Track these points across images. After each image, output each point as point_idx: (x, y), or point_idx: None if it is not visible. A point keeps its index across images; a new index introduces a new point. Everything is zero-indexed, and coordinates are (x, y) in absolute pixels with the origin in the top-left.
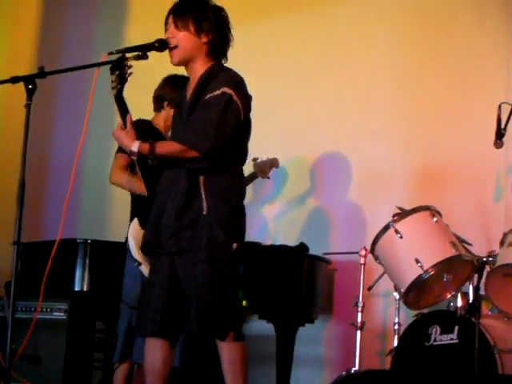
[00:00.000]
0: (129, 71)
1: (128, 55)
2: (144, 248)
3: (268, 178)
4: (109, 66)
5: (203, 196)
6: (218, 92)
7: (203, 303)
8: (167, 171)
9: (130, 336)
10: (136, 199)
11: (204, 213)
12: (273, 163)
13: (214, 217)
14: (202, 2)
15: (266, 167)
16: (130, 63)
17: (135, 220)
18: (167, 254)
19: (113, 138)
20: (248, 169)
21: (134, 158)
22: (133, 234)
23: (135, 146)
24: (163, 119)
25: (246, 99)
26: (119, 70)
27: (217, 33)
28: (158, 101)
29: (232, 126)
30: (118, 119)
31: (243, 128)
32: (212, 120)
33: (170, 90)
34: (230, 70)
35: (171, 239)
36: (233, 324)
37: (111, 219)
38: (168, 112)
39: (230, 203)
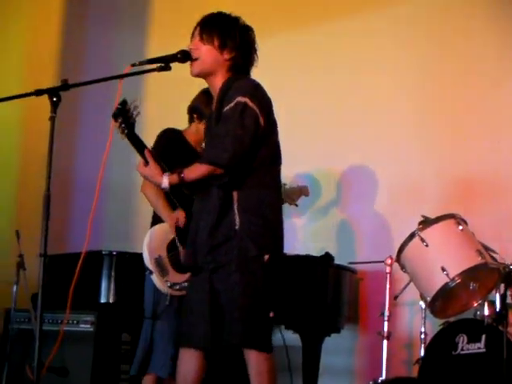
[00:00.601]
0: (135, 113)
1: (152, 66)
2: (185, 268)
3: (296, 205)
4: (134, 76)
5: (236, 211)
6: (232, 103)
7: (234, 313)
8: (200, 190)
9: (149, 349)
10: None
11: (236, 227)
12: (302, 191)
13: (247, 230)
14: (231, 20)
15: (294, 195)
16: (136, 103)
17: (150, 230)
18: (206, 270)
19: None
20: None
21: (167, 190)
22: (147, 244)
23: (165, 182)
24: (193, 133)
25: (264, 102)
26: (122, 116)
27: (240, 51)
28: (190, 112)
29: (251, 134)
30: (143, 129)
31: (267, 132)
32: (229, 131)
33: (203, 103)
34: (244, 77)
35: (207, 257)
36: (263, 335)
37: (136, 231)
38: (197, 126)
39: (265, 217)
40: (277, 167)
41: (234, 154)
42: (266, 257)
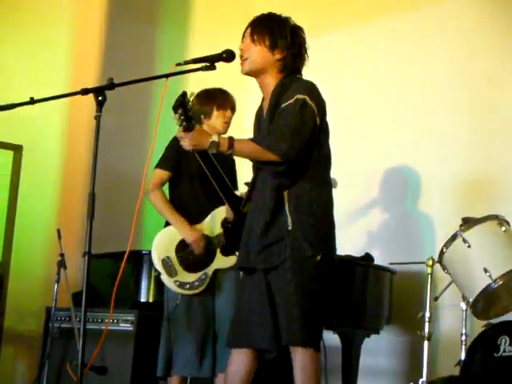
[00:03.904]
0: (191, 105)
1: (197, 65)
2: (239, 268)
3: None
4: (177, 76)
5: (287, 212)
6: (291, 100)
7: (291, 312)
8: (254, 191)
9: (170, 349)
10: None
11: (289, 228)
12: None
13: (300, 231)
14: (282, 20)
15: None
16: (191, 98)
17: (158, 233)
18: (260, 271)
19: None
20: None
21: (214, 151)
22: (154, 246)
23: (215, 137)
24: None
25: (321, 103)
26: (182, 108)
27: (291, 51)
28: (195, 119)
29: (309, 129)
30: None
31: (321, 132)
32: (289, 124)
33: (199, 104)
34: (300, 78)
35: (259, 256)
36: (316, 334)
37: None
38: (208, 125)
39: (315, 215)
40: (328, 169)
41: (291, 146)
42: (319, 257)
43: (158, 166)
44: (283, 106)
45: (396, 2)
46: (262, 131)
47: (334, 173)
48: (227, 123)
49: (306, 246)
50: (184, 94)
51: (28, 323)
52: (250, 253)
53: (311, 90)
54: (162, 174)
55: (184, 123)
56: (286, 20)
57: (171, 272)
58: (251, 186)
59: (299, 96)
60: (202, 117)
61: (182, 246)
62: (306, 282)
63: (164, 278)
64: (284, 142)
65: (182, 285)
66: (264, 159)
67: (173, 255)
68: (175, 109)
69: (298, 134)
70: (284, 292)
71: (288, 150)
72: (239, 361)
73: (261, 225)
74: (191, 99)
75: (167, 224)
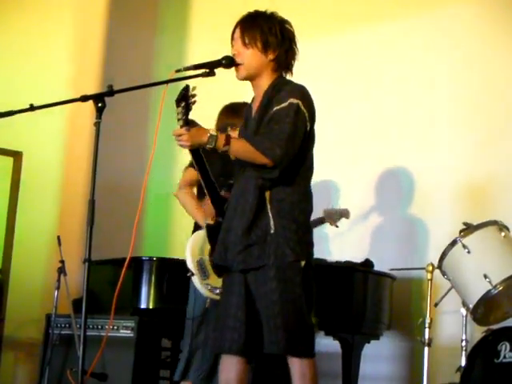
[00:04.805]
0: (193, 100)
1: (189, 72)
2: (215, 266)
3: (336, 226)
4: (175, 83)
5: (270, 214)
6: (285, 104)
7: (274, 321)
8: (235, 188)
9: (192, 354)
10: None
11: (272, 231)
12: (342, 214)
13: (282, 236)
14: (269, 16)
15: (335, 216)
16: (194, 92)
17: (193, 234)
18: (239, 272)
19: (176, 153)
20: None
21: (212, 145)
22: (190, 246)
23: (213, 131)
24: None
25: (312, 109)
26: (185, 101)
27: (283, 48)
28: (221, 130)
29: (301, 136)
30: None
31: (308, 139)
32: (284, 130)
33: (228, 115)
34: (293, 82)
35: (238, 256)
36: (305, 340)
37: (175, 237)
38: (233, 135)
39: (297, 220)
40: (310, 176)
41: (286, 152)
42: (303, 263)
43: (191, 165)
44: (276, 108)
45: (394, 8)
46: (249, 131)
47: (334, 179)
48: None
49: (288, 251)
50: (187, 88)
51: (28, 330)
52: (228, 251)
53: (304, 94)
54: (194, 174)
55: (184, 117)
56: (273, 16)
57: (204, 274)
58: (233, 184)
59: (293, 100)
60: (229, 128)
61: None
62: (291, 290)
63: (196, 280)
64: (280, 148)
65: (212, 289)
66: (257, 161)
67: (206, 258)
68: (178, 102)
69: (292, 141)
70: (268, 300)
71: (282, 157)
72: (231, 368)
73: (244, 224)
74: (194, 96)
75: (196, 227)
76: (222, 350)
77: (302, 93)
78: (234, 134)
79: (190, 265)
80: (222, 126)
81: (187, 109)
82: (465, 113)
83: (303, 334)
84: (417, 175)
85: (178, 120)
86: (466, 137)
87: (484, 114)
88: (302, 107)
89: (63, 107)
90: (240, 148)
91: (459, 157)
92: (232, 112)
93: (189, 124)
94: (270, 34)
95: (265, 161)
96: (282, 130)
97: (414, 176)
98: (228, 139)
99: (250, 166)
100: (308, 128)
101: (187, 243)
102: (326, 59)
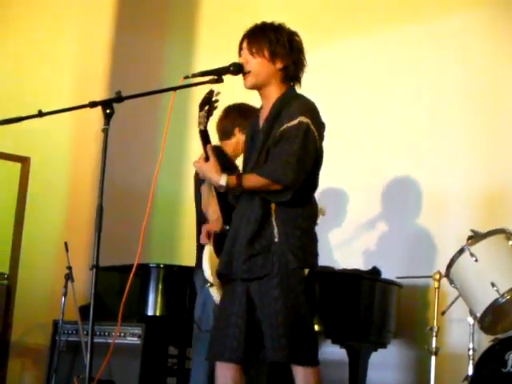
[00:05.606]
0: (215, 105)
1: (204, 78)
2: (219, 275)
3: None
4: (183, 89)
5: (274, 223)
6: (295, 122)
7: (277, 330)
8: (243, 197)
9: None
10: (198, 223)
11: (276, 240)
12: (320, 211)
13: (286, 243)
14: (277, 28)
15: None
16: (217, 98)
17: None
18: (241, 281)
19: (182, 162)
20: None
21: (222, 190)
22: (207, 255)
23: (223, 180)
24: (233, 145)
25: (321, 128)
26: (209, 105)
27: (291, 58)
28: (227, 130)
29: (312, 157)
30: (190, 143)
31: (318, 157)
32: (295, 152)
33: (238, 116)
34: (302, 96)
35: (243, 266)
36: (308, 349)
37: (182, 244)
38: (238, 138)
39: (301, 227)
40: (314, 188)
41: (298, 175)
42: (306, 271)
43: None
44: (286, 126)
45: (404, 13)
46: (257, 144)
47: (342, 186)
48: None
49: (291, 257)
50: (211, 92)
51: (35, 336)
52: (233, 261)
53: (313, 112)
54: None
55: (206, 120)
56: (281, 27)
57: (221, 285)
58: (240, 193)
59: (303, 119)
60: (237, 130)
61: None
62: (294, 298)
63: (214, 290)
64: (292, 172)
65: None
66: (271, 189)
67: None
68: (202, 106)
69: (303, 163)
70: (271, 308)
71: (294, 180)
72: (227, 374)
73: (248, 234)
74: (217, 102)
75: (199, 233)
76: (221, 358)
77: (312, 109)
78: (242, 137)
79: (209, 276)
80: (230, 125)
81: (209, 114)
82: (475, 121)
83: (306, 342)
84: (424, 183)
85: (199, 124)
86: (474, 145)
87: (495, 122)
88: (312, 126)
89: (71, 113)
90: (252, 184)
91: (467, 165)
92: (243, 114)
93: (209, 141)
94: (277, 45)
95: (279, 187)
96: (292, 153)
97: (422, 184)
98: (240, 179)
99: (263, 194)
100: (318, 146)
101: (204, 253)
102: (329, 66)
